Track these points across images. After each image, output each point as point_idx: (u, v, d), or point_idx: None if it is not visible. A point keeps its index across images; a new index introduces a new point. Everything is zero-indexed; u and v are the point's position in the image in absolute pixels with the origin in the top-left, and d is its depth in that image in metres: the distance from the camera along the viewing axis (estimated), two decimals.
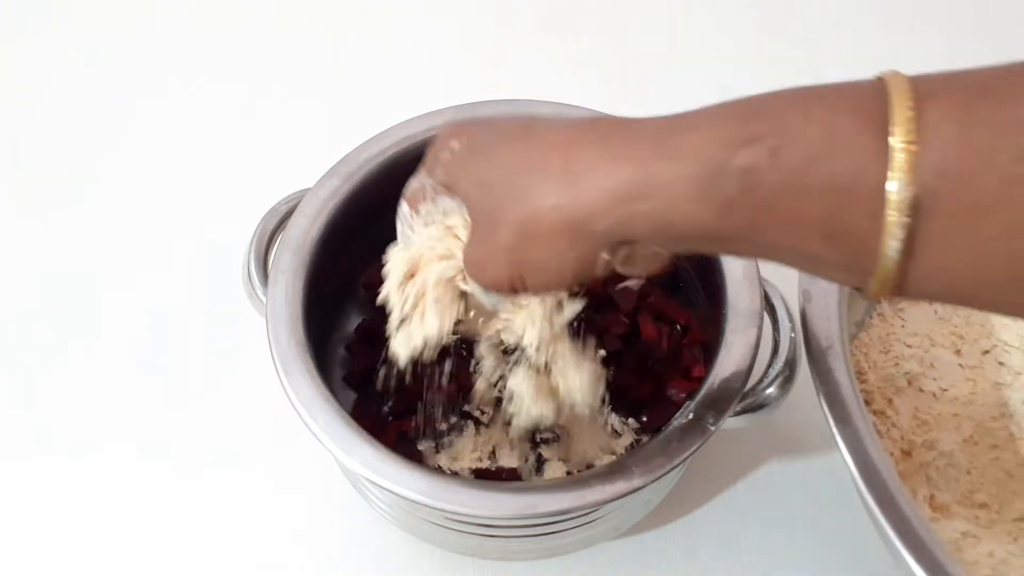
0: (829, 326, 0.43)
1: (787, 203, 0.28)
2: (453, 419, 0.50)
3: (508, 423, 0.44)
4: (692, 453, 0.41)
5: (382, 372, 0.45)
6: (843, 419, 0.40)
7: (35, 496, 0.53)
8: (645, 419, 0.49)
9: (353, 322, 0.55)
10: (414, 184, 0.38)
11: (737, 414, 0.44)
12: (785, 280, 0.49)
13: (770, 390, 0.45)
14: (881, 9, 0.78)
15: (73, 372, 0.57)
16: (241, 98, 0.72)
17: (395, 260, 0.38)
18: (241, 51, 0.75)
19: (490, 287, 0.35)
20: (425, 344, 0.38)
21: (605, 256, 0.32)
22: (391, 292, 0.38)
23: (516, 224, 0.32)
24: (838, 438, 0.39)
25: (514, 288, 0.34)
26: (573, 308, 0.39)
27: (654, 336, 0.53)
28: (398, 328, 0.39)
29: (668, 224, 0.30)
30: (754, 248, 0.30)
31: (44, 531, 0.52)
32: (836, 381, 0.41)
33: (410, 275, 0.38)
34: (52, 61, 0.74)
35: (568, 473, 0.48)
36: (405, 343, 0.38)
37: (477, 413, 0.50)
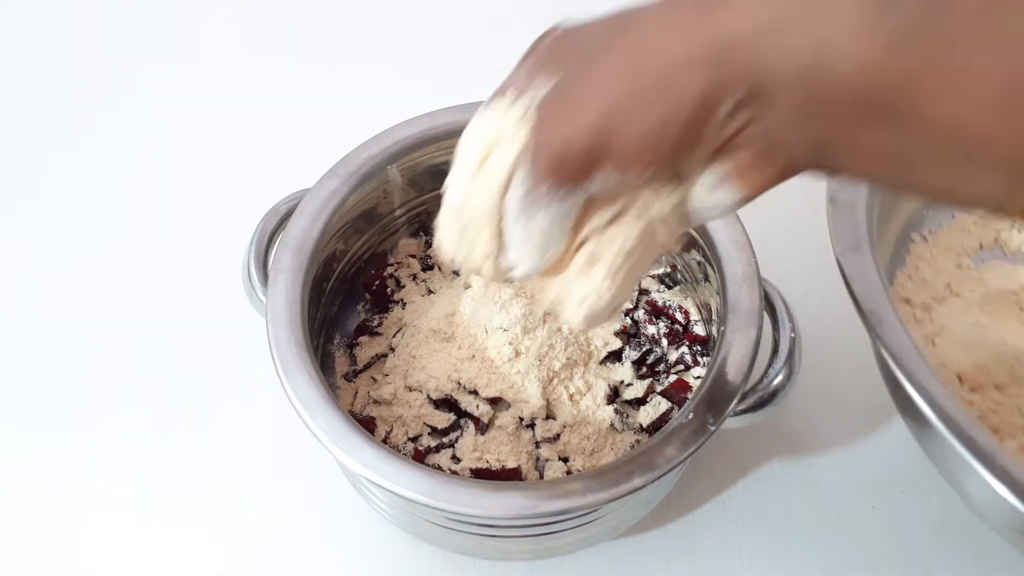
0: (857, 231, 0.44)
1: (965, 50, 0.23)
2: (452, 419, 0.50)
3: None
4: (692, 453, 0.41)
5: None
6: (875, 315, 0.41)
7: (39, 494, 0.53)
8: (645, 419, 0.49)
9: (353, 322, 0.55)
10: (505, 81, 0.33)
11: (737, 414, 0.44)
12: (785, 280, 0.49)
13: (770, 390, 0.45)
14: None
15: (73, 372, 0.57)
16: (241, 98, 0.72)
17: (469, 139, 0.33)
18: (240, 51, 0.75)
19: (561, 153, 0.28)
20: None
21: (727, 108, 0.26)
22: (461, 181, 0.32)
23: (625, 53, 0.27)
24: (871, 333, 0.41)
25: (591, 157, 0.28)
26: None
27: (653, 335, 0.53)
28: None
29: (821, 64, 0.24)
30: (896, 129, 0.25)
31: (47, 529, 0.52)
32: (865, 276, 0.42)
33: (484, 159, 0.32)
34: (51, 61, 0.74)
35: (568, 473, 0.48)
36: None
37: (477, 413, 0.50)
